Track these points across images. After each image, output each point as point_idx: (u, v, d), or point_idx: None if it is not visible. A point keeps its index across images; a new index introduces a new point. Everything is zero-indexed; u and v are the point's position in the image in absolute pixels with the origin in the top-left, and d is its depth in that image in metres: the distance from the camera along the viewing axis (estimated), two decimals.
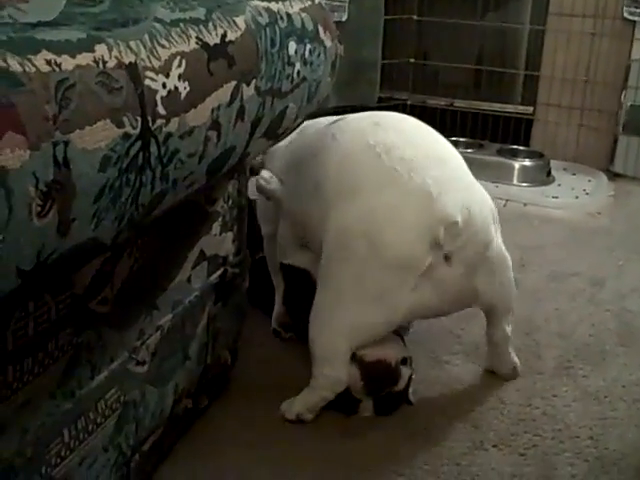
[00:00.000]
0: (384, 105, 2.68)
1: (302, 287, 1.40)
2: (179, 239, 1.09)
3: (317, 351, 1.24)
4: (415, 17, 2.67)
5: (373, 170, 1.20)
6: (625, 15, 2.35)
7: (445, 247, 1.16)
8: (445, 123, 2.71)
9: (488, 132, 2.67)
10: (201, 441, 1.20)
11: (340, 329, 1.22)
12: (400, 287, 1.18)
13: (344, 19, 2.46)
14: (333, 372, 1.24)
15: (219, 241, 1.19)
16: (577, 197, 2.32)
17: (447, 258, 1.18)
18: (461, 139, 2.59)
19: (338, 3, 2.43)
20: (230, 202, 1.20)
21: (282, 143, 1.22)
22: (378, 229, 1.16)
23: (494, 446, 1.22)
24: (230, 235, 1.22)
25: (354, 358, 1.24)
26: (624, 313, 1.64)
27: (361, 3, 2.48)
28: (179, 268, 1.09)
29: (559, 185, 2.41)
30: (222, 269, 1.21)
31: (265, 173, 1.41)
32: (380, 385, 1.26)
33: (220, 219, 1.18)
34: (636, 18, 2.33)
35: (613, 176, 2.47)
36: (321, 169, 1.27)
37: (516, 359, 1.40)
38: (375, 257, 1.16)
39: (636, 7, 2.32)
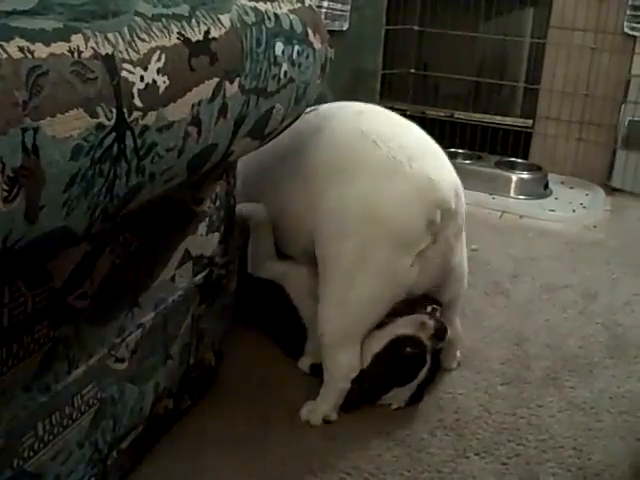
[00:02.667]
0: None
1: (276, 302, 1.42)
2: (164, 237, 1.08)
3: (329, 339, 1.25)
4: (416, 28, 2.69)
5: (372, 157, 1.25)
6: (626, 30, 2.36)
7: (436, 229, 1.22)
8: (444, 134, 2.72)
9: (487, 144, 2.68)
10: (182, 441, 1.19)
11: (352, 312, 1.23)
12: (402, 263, 1.21)
13: (345, 28, 2.46)
14: (346, 358, 1.25)
15: (205, 241, 1.19)
16: (574, 210, 2.32)
17: (433, 238, 1.22)
18: (460, 150, 2.61)
19: (339, 12, 2.43)
20: (217, 203, 1.20)
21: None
22: (381, 209, 1.21)
23: (476, 454, 1.21)
24: (217, 236, 1.22)
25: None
26: (615, 326, 1.63)
27: (362, 13, 2.49)
28: (163, 267, 1.09)
29: (556, 198, 2.41)
30: (208, 270, 1.21)
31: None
32: (444, 333, 1.27)
33: (207, 219, 1.18)
34: (636, 33, 2.34)
35: (611, 190, 2.47)
36: (309, 158, 1.30)
37: (459, 353, 1.46)
38: (378, 234, 1.20)
39: (637, 22, 2.33)
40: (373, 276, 1.21)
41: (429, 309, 1.28)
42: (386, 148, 1.25)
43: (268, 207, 1.40)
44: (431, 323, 1.25)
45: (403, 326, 1.25)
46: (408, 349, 1.25)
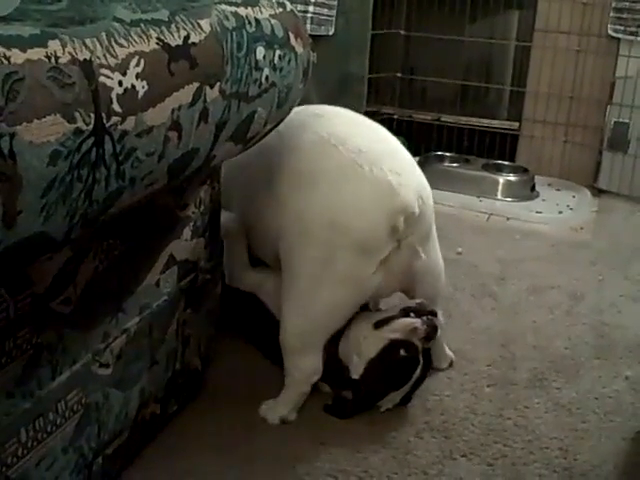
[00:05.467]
0: None
1: (256, 313, 1.42)
2: (148, 242, 1.09)
3: (291, 343, 1.26)
4: (402, 32, 2.69)
5: (332, 162, 1.24)
6: (610, 32, 2.37)
7: (399, 235, 1.21)
8: (431, 138, 2.73)
9: (474, 147, 2.69)
10: (169, 446, 1.19)
11: (314, 317, 1.24)
12: (365, 270, 1.21)
13: (331, 33, 2.46)
14: (308, 363, 1.26)
15: (190, 246, 1.19)
16: (561, 212, 2.33)
17: (397, 243, 1.22)
18: (447, 154, 2.62)
19: (325, 17, 2.44)
20: (202, 208, 1.20)
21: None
22: (343, 216, 1.20)
23: (463, 456, 1.22)
24: (202, 241, 1.22)
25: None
26: (601, 326, 1.64)
27: (348, 17, 2.49)
28: (147, 272, 1.09)
29: (543, 200, 2.42)
30: (193, 274, 1.21)
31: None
32: (434, 333, 1.27)
33: (191, 224, 1.18)
34: (620, 35, 2.35)
35: (597, 192, 2.48)
36: (272, 165, 1.29)
37: (450, 352, 1.46)
38: (341, 241, 1.19)
39: (620, 24, 2.34)
40: (336, 283, 1.21)
41: (424, 319, 1.27)
42: (346, 152, 1.23)
43: (241, 216, 1.39)
44: (422, 328, 1.25)
45: (395, 331, 1.25)
46: (402, 352, 1.25)
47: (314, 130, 1.29)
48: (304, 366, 1.26)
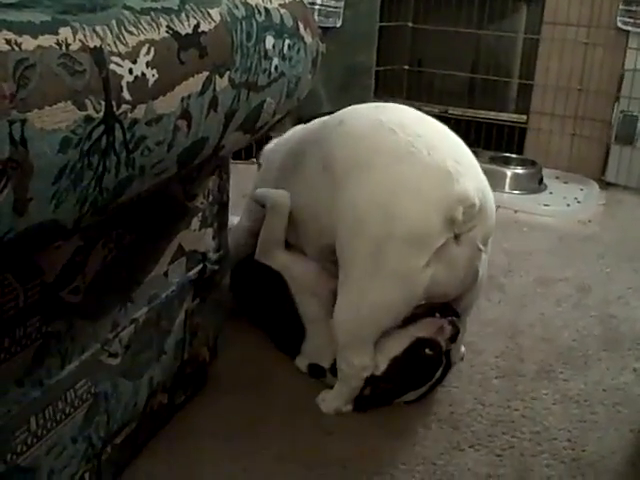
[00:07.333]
0: None
1: (277, 294, 1.41)
2: (157, 233, 1.09)
3: (342, 339, 1.24)
4: (410, 24, 2.69)
5: (389, 143, 1.19)
6: (619, 25, 2.36)
7: (458, 228, 1.15)
8: None
9: (482, 140, 2.68)
10: (177, 436, 1.19)
11: (363, 313, 1.21)
12: (416, 262, 1.15)
13: (339, 25, 2.46)
14: (360, 360, 1.24)
15: (198, 237, 1.19)
16: (568, 205, 2.32)
17: (457, 238, 1.16)
18: None
19: (333, 9, 2.44)
20: (210, 198, 1.20)
21: (279, 145, 1.34)
22: (395, 200, 1.15)
23: (471, 447, 1.22)
24: (210, 231, 1.22)
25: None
26: (609, 319, 1.64)
27: (356, 9, 2.49)
28: (156, 262, 1.09)
29: (551, 193, 2.41)
30: (201, 265, 1.21)
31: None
32: (457, 335, 1.26)
33: (200, 215, 1.18)
34: (629, 28, 2.34)
35: (605, 185, 2.47)
36: (328, 152, 1.27)
37: (463, 348, 1.45)
38: (392, 229, 1.14)
39: (629, 17, 2.33)
40: (387, 278, 1.17)
41: (448, 319, 1.26)
42: (404, 136, 1.18)
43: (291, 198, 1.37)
44: (449, 328, 1.24)
45: (422, 329, 1.24)
46: (427, 351, 1.24)
47: (372, 117, 1.26)
48: (355, 363, 1.23)
